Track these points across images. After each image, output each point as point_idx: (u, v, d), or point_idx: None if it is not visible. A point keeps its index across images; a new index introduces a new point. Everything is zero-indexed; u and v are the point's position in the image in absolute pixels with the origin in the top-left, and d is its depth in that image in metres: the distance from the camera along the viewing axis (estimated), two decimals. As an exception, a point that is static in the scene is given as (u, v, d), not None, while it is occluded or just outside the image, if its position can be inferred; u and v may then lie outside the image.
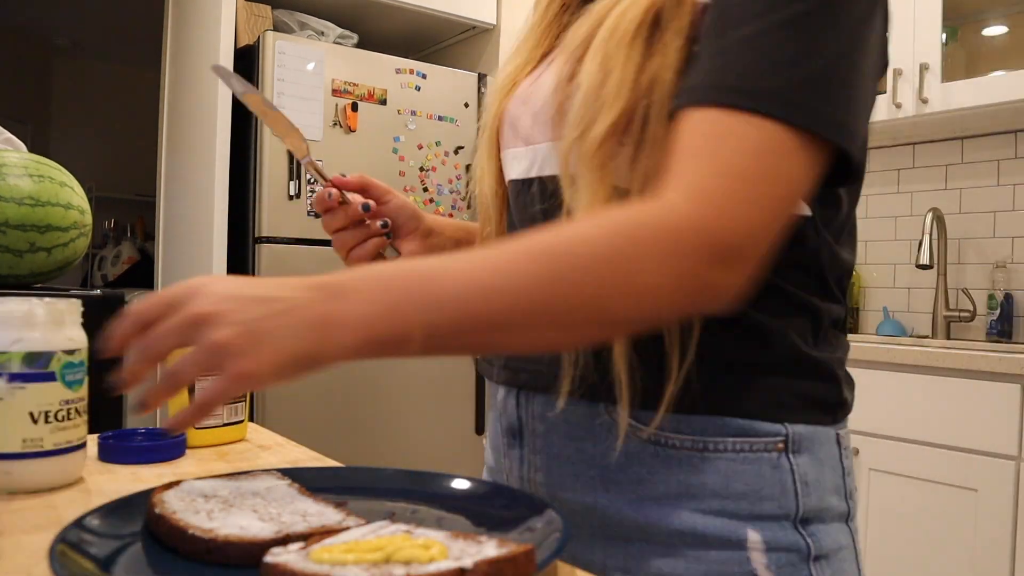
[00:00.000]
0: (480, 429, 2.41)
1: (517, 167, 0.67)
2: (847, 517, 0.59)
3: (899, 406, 1.75)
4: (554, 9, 0.70)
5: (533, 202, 0.64)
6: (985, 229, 2.20)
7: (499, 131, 0.70)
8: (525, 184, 0.65)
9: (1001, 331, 2.09)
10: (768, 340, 0.57)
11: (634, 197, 0.53)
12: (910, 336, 2.30)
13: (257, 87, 2.07)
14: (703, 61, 0.51)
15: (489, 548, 0.40)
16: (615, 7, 0.56)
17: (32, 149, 1.33)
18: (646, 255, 0.45)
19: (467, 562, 0.37)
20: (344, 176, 0.73)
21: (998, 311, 2.10)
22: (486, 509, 0.53)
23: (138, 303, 0.45)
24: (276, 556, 0.39)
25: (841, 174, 0.52)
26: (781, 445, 0.56)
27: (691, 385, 0.55)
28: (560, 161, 0.58)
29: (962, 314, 2.17)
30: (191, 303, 0.43)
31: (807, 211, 0.57)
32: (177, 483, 0.51)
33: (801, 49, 0.48)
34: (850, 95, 0.50)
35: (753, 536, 0.55)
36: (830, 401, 0.59)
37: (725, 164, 0.47)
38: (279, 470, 0.57)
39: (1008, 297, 2.09)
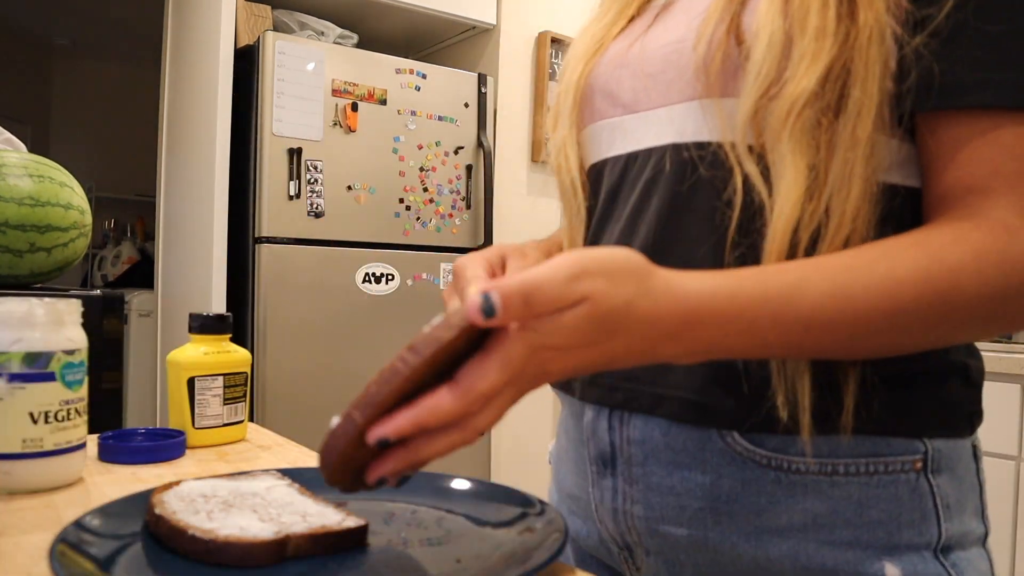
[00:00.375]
0: (480, 429, 2.41)
1: (617, 140, 0.58)
2: (983, 540, 0.53)
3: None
4: None
5: (662, 178, 0.54)
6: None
7: (582, 102, 0.61)
8: (639, 157, 0.56)
9: (1001, 331, 2.09)
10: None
11: (831, 173, 0.47)
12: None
13: (257, 87, 2.07)
14: (958, 36, 0.45)
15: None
16: None
17: (32, 149, 1.33)
18: (1015, 294, 0.44)
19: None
20: None
21: (998, 311, 2.09)
22: (486, 509, 0.53)
23: (467, 400, 0.38)
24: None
25: None
26: (919, 464, 0.49)
27: (824, 401, 0.49)
28: (736, 126, 0.49)
29: (962, 314, 2.17)
30: (523, 384, 0.40)
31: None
32: (177, 483, 0.51)
33: None
34: None
35: (892, 570, 0.49)
36: (968, 409, 0.52)
37: None
38: (279, 470, 0.57)
39: (1008, 297, 2.09)
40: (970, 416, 0.53)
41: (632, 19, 0.62)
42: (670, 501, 0.54)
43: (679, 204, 0.53)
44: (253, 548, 0.42)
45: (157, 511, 0.46)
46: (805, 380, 0.48)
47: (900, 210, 0.49)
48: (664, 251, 0.54)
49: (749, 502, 0.51)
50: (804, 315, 0.43)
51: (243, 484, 0.53)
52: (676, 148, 0.54)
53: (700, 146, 0.52)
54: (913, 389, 0.50)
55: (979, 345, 1.82)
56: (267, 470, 0.57)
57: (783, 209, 0.47)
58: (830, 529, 0.49)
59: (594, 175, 0.61)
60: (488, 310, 0.37)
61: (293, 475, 0.57)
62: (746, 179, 0.49)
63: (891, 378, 0.49)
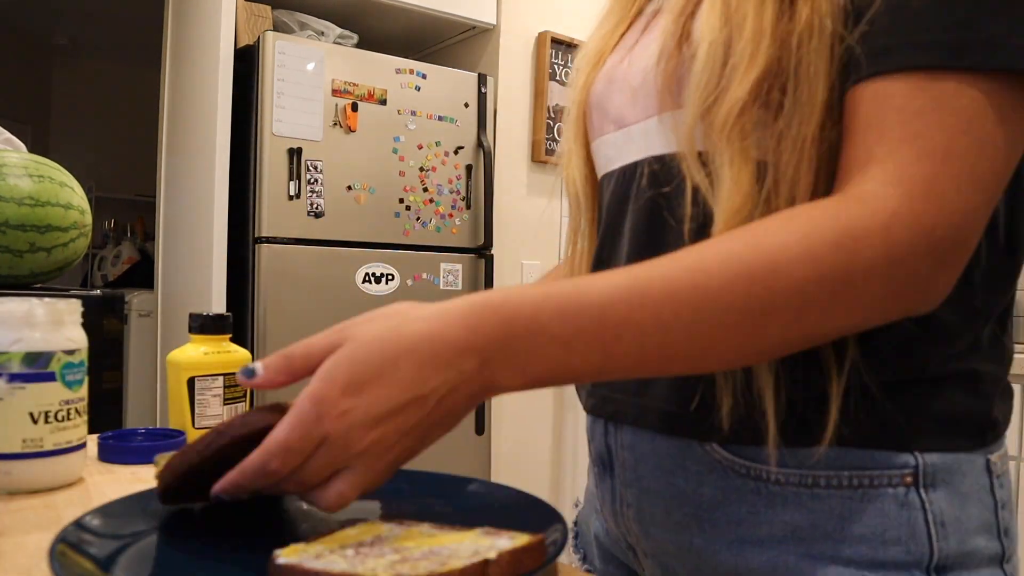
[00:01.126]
0: (480, 430, 2.41)
1: (613, 156, 0.58)
2: (1001, 559, 0.49)
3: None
4: None
5: (642, 191, 0.54)
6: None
7: (585, 115, 0.62)
8: (626, 172, 0.56)
9: (1001, 331, 2.09)
10: (909, 348, 0.47)
11: (782, 173, 0.45)
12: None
13: (257, 87, 2.07)
14: (880, 17, 0.42)
15: (503, 540, 0.39)
16: None
17: (32, 149, 1.33)
18: (864, 268, 0.40)
19: (490, 553, 0.37)
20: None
21: (998, 311, 2.09)
22: (486, 509, 0.53)
23: (266, 452, 0.39)
24: (287, 557, 0.38)
25: None
26: (909, 478, 0.47)
27: (796, 410, 0.47)
28: (683, 137, 0.49)
29: (962, 314, 2.16)
30: (340, 440, 0.39)
31: None
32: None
33: None
34: None
35: None
36: (975, 421, 0.48)
37: (933, 143, 0.40)
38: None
39: (1008, 297, 2.09)
40: (981, 428, 0.49)
41: (632, 23, 0.61)
42: (659, 505, 0.55)
43: (650, 217, 0.54)
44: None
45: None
46: (768, 388, 0.47)
47: None
48: None
49: (730, 511, 0.51)
50: (605, 314, 0.40)
51: None
52: (646, 162, 0.54)
53: (659, 159, 0.53)
54: (901, 398, 0.47)
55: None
56: None
57: (722, 217, 0.46)
58: (810, 542, 0.48)
59: (601, 189, 0.62)
60: (248, 372, 0.43)
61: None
62: (695, 189, 0.49)
63: (878, 386, 0.47)
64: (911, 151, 0.40)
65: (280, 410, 0.42)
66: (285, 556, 0.38)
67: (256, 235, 2.07)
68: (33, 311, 0.59)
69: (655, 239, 0.53)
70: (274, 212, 2.06)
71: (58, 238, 1.19)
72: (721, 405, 0.48)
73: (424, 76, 2.30)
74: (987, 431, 0.49)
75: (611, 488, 0.59)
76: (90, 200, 1.33)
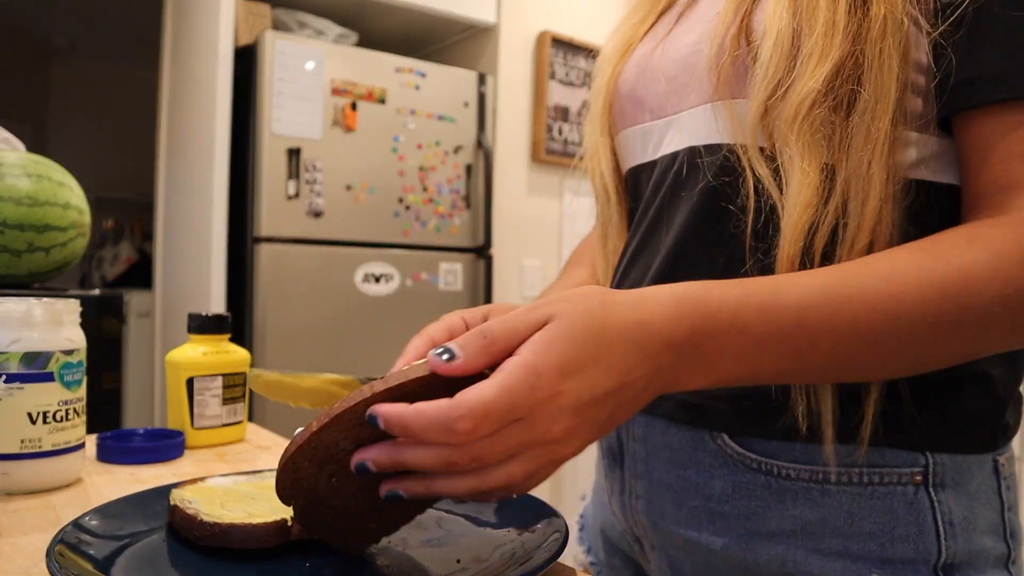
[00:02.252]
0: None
1: (648, 145, 0.58)
2: (1007, 561, 0.50)
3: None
4: None
5: (682, 183, 0.54)
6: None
7: (612, 106, 0.61)
8: (669, 161, 0.56)
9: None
10: None
11: (853, 170, 0.45)
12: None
13: (256, 86, 2.07)
14: (984, 35, 0.43)
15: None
16: None
17: (31, 149, 1.33)
18: None
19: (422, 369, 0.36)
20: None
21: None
22: (486, 509, 0.53)
23: (458, 407, 0.34)
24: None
25: None
26: (919, 478, 0.48)
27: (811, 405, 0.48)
28: (747, 127, 0.48)
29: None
30: (541, 421, 0.35)
31: None
32: (203, 479, 0.52)
33: None
34: None
35: None
36: (986, 423, 0.49)
37: None
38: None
39: (1008, 297, 2.09)
40: (992, 431, 0.50)
41: (661, 14, 0.61)
42: (669, 498, 0.55)
43: (696, 209, 0.53)
44: (256, 530, 0.42)
45: (173, 502, 0.46)
46: (827, 391, 0.47)
47: (931, 208, 0.47)
48: (687, 258, 0.53)
49: (740, 505, 0.51)
50: (805, 316, 0.40)
51: (267, 479, 0.53)
52: (691, 152, 0.53)
53: (711, 150, 0.52)
54: (916, 401, 0.48)
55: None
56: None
57: (792, 213, 0.46)
58: (819, 537, 0.49)
59: (632, 180, 0.61)
60: (445, 353, 0.36)
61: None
62: (757, 183, 0.48)
63: (893, 390, 0.47)
64: None
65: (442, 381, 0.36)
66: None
67: (255, 235, 2.06)
68: (32, 311, 0.59)
69: (712, 231, 0.52)
70: (273, 212, 2.05)
71: (56, 238, 1.19)
72: (795, 405, 0.48)
73: (424, 75, 2.29)
74: (998, 434, 0.50)
75: (621, 480, 0.59)
76: (89, 200, 1.33)
